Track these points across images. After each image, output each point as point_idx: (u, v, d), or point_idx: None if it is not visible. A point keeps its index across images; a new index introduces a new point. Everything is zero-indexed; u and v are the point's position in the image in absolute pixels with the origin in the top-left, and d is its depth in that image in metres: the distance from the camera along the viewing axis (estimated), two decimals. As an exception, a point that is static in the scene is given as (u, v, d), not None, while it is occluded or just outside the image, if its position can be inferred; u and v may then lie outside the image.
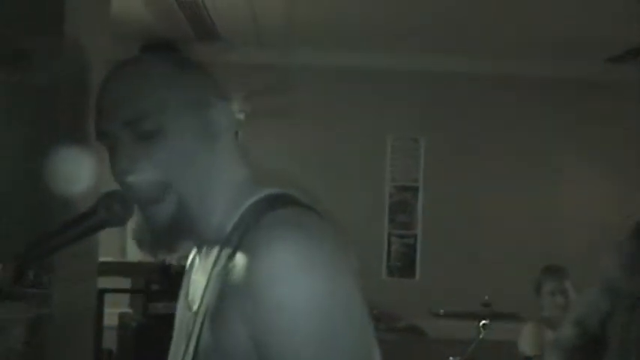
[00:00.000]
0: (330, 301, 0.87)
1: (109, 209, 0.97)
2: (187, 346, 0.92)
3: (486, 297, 3.26)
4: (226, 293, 0.88)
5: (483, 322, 3.19)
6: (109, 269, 3.29)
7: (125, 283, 4.04)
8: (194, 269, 1.07)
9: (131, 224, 1.02)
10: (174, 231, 0.97)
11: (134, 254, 3.76)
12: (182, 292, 1.09)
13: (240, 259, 0.88)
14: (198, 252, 1.05)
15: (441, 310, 3.36)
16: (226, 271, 0.89)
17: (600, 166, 4.79)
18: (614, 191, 4.70)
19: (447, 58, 4.69)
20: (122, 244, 3.92)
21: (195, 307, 0.95)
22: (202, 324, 0.90)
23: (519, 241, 4.63)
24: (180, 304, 1.07)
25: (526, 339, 3.72)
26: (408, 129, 4.82)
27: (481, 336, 3.23)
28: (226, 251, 0.92)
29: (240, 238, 0.91)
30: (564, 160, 4.81)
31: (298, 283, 0.85)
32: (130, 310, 3.86)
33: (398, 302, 4.29)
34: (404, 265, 4.73)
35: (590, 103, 4.78)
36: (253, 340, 0.86)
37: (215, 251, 0.96)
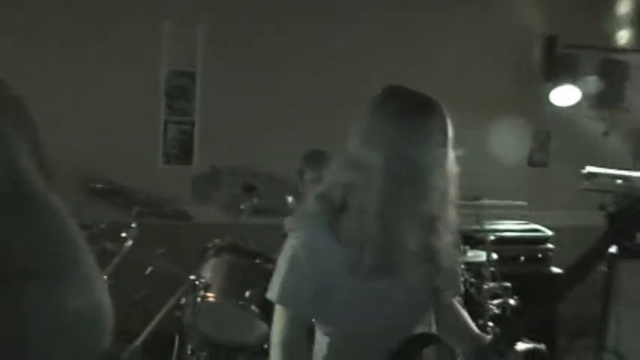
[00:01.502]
0: None
1: None
2: None
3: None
4: None
5: (242, 206, 3.29)
6: None
7: None
8: None
9: None
10: None
11: None
12: None
13: None
14: None
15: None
16: None
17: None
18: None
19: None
20: None
21: None
22: None
23: (293, 126, 4.75)
24: None
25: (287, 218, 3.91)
26: (186, 13, 4.66)
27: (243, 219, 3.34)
28: None
29: None
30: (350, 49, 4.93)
31: None
32: None
33: (174, 189, 4.28)
34: (180, 152, 4.70)
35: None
36: None
37: None
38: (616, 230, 1.89)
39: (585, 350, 4.62)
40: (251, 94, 4.73)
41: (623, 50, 5.14)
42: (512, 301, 3.57)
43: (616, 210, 1.91)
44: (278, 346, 1.89)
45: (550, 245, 4.52)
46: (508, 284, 3.63)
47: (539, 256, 4.50)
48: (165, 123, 4.66)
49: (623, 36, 5.19)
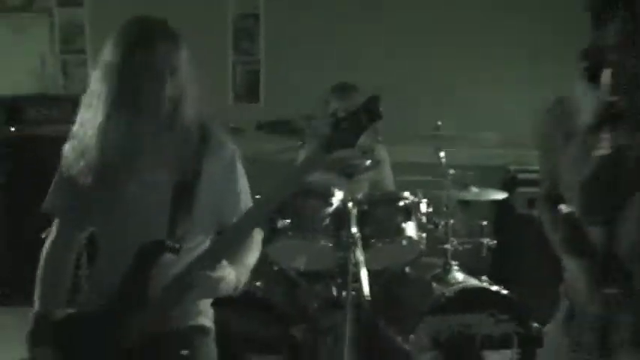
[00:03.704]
0: None
1: None
2: None
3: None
4: None
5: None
6: None
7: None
8: None
9: None
10: None
11: None
12: None
13: None
14: None
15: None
16: None
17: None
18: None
19: None
20: None
21: None
22: None
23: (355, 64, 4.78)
24: None
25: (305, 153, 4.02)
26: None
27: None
28: None
29: None
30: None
31: None
32: None
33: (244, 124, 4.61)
34: (249, 91, 5.01)
35: None
36: None
37: None
38: (340, 132, 1.85)
39: None
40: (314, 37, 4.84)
41: None
42: (486, 241, 3.32)
43: (341, 116, 1.85)
44: (45, 251, 2.15)
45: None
46: (484, 222, 3.38)
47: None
48: (234, 64, 5.01)
49: None
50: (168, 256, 1.99)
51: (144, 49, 1.94)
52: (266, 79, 5.04)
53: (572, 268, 1.97)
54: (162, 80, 1.95)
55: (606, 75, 1.58)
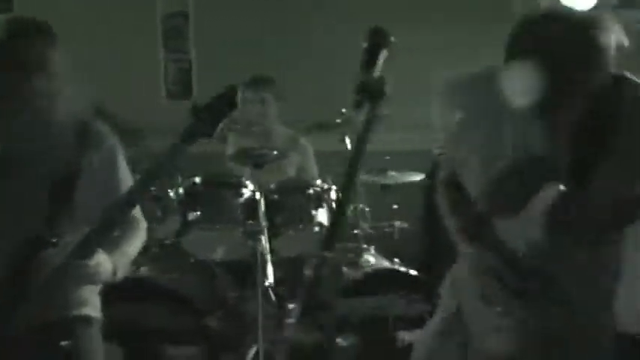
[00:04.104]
0: None
1: None
2: None
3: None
4: None
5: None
6: None
7: None
8: None
9: None
10: None
11: None
12: None
13: None
14: None
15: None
16: None
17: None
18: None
19: None
20: None
21: None
22: None
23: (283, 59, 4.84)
24: None
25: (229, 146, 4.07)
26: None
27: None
28: None
29: None
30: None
31: None
32: None
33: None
34: (181, 88, 5.07)
35: None
36: None
37: None
38: (199, 122, 1.92)
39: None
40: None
41: None
42: (398, 224, 3.41)
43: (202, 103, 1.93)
44: None
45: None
46: (394, 206, 3.47)
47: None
48: (166, 62, 5.06)
49: None
50: (51, 250, 2.04)
51: (17, 45, 2.00)
52: (198, 76, 5.09)
53: (470, 257, 1.93)
54: (34, 75, 2.00)
55: (383, 55, 1.65)
